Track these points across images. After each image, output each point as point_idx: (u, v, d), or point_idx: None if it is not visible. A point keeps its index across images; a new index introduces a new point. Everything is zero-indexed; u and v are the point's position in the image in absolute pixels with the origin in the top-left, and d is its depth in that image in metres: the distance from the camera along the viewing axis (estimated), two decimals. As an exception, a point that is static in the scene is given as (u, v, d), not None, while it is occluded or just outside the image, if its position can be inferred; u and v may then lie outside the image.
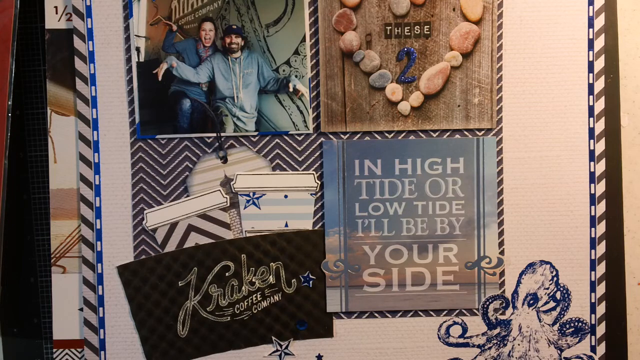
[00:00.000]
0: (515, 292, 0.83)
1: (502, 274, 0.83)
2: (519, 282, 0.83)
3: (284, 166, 0.82)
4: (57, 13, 0.82)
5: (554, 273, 0.82)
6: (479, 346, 0.83)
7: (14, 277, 0.86)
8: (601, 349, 0.83)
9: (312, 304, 0.83)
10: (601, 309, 0.83)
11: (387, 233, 0.82)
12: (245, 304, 0.82)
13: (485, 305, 0.83)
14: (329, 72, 0.81)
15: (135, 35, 0.81)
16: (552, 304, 0.83)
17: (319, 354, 0.83)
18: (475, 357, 0.83)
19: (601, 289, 0.82)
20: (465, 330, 0.83)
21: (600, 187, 0.82)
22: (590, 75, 0.81)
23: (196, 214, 0.82)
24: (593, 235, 0.82)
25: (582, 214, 0.82)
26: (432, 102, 0.81)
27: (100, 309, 0.83)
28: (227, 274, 0.82)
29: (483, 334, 0.83)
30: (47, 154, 0.84)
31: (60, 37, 0.82)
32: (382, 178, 0.82)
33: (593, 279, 0.82)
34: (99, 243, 0.82)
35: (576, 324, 0.83)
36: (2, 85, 0.79)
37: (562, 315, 0.83)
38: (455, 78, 0.81)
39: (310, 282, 0.82)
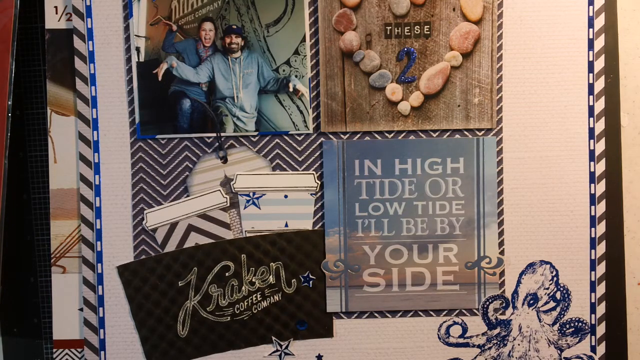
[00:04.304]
0: (515, 292, 0.83)
1: (502, 274, 0.82)
2: (519, 282, 0.83)
3: (284, 166, 0.82)
4: (57, 13, 0.82)
5: (554, 273, 0.82)
6: (479, 346, 0.83)
7: (14, 277, 0.86)
8: (601, 349, 0.83)
9: (312, 304, 0.83)
10: (601, 309, 0.82)
11: (387, 233, 0.82)
12: (245, 304, 0.82)
13: (485, 305, 0.83)
14: (329, 72, 0.81)
15: (135, 35, 0.81)
16: (552, 304, 0.83)
17: (319, 354, 0.83)
18: (475, 357, 0.83)
19: (601, 289, 0.82)
20: (465, 330, 0.83)
21: (600, 187, 0.82)
22: (590, 75, 0.81)
23: (196, 214, 0.82)
24: (593, 235, 0.82)
25: (582, 214, 0.82)
26: (432, 102, 0.81)
27: (100, 309, 0.83)
28: (227, 274, 0.82)
29: (483, 334, 0.83)
30: (47, 154, 0.84)
31: (60, 37, 0.82)
32: (382, 178, 0.82)
33: (593, 279, 0.82)
34: (99, 243, 0.82)
35: (576, 324, 0.83)
36: (2, 85, 0.79)
37: (562, 315, 0.83)
38: (455, 78, 0.81)
39: (310, 282, 0.82)
